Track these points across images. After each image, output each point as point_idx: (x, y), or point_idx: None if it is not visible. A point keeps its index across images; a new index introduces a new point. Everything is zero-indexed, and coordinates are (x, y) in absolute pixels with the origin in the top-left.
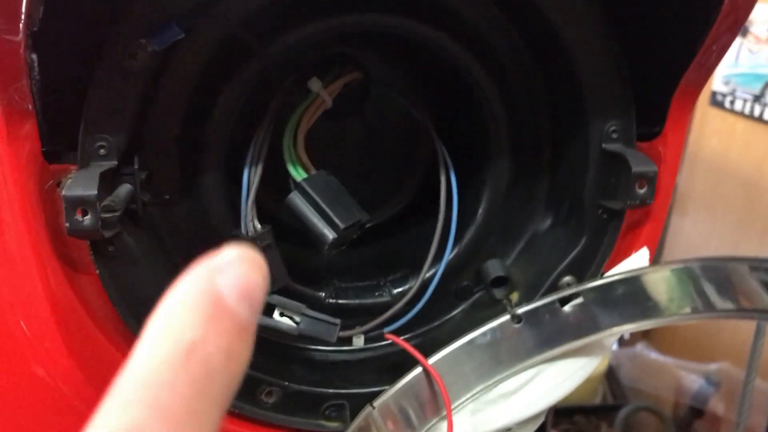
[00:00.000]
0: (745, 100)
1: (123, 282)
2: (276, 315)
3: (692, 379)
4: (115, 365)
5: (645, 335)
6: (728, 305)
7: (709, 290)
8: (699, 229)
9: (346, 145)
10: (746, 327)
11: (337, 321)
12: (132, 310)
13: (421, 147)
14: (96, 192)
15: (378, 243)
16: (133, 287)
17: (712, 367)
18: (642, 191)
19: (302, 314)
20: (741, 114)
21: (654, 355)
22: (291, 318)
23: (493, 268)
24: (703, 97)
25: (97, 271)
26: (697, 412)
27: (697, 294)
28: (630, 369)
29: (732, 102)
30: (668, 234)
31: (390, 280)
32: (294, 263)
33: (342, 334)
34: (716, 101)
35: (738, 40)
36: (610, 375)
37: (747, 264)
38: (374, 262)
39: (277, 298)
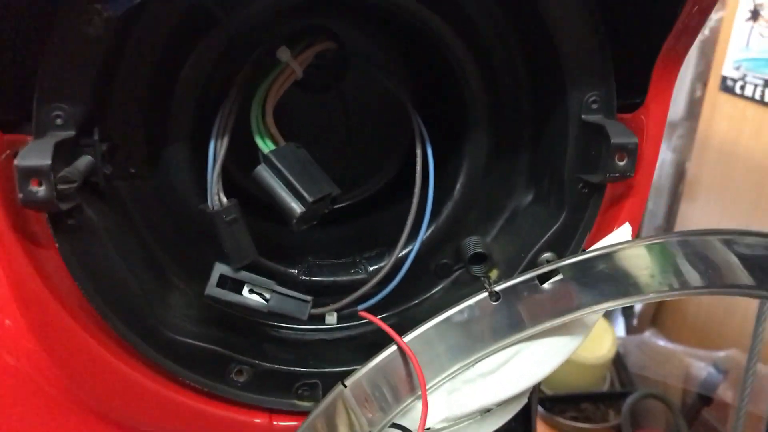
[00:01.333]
0: (755, 86)
1: (85, 257)
2: (245, 292)
3: (700, 367)
4: (80, 343)
5: (653, 322)
6: (707, 281)
7: (687, 266)
8: (708, 215)
9: (325, 123)
10: (754, 313)
11: (309, 298)
12: (96, 286)
13: (402, 125)
14: (50, 162)
15: (356, 222)
16: (97, 262)
17: (721, 354)
18: (622, 164)
19: (272, 291)
20: (751, 99)
21: (662, 343)
22: (260, 295)
23: (473, 244)
24: (713, 83)
25: (57, 245)
26: (705, 399)
27: (677, 270)
28: (638, 356)
29: (742, 87)
30: (677, 220)
31: (366, 258)
32: (267, 240)
33: (314, 311)
34: (726, 87)
35: (749, 24)
36: (618, 362)
37: (724, 237)
38: (351, 240)
39: (246, 275)
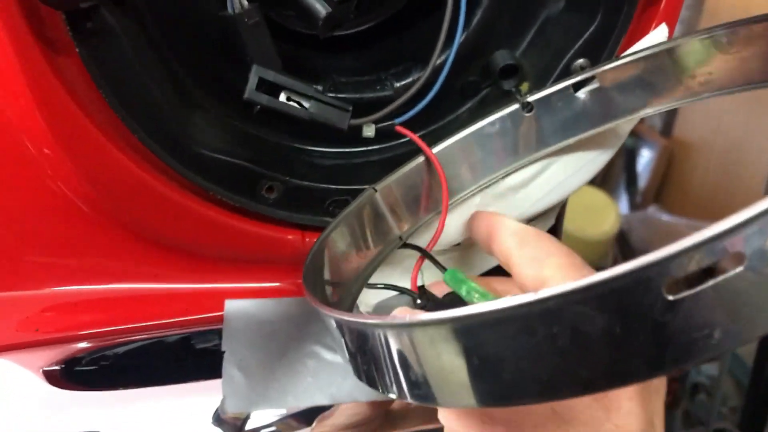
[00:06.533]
0: None
1: (106, 62)
2: (282, 98)
3: None
4: (110, 158)
5: (657, 198)
6: (764, 73)
7: (737, 61)
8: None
9: None
10: (760, 187)
11: (349, 107)
12: (117, 93)
13: None
14: None
15: (378, 44)
16: (117, 69)
17: None
18: None
19: (311, 98)
20: None
21: (666, 218)
22: (299, 103)
23: (502, 57)
24: None
25: (77, 50)
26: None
27: (729, 64)
28: (641, 232)
29: None
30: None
31: (392, 74)
32: (289, 61)
33: (353, 122)
34: None
35: None
36: (621, 239)
37: None
38: (375, 60)
39: (284, 79)
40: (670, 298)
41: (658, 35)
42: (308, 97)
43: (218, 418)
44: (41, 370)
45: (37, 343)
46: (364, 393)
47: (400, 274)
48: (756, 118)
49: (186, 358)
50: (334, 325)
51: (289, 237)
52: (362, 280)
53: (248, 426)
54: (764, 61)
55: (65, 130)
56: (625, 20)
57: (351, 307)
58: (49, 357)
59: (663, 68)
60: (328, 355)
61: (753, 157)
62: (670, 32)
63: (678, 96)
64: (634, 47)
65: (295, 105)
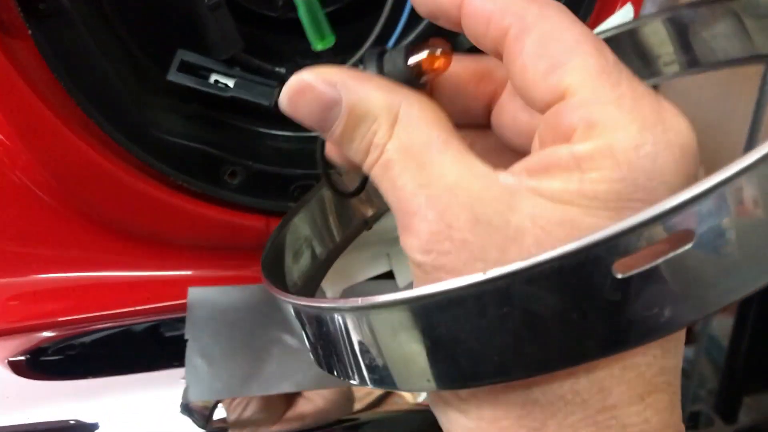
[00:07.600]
0: None
1: (60, 46)
2: (212, 80)
3: None
4: (68, 146)
5: None
6: (733, 53)
7: (700, 41)
8: None
9: None
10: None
11: (275, 84)
12: (73, 77)
13: None
14: None
15: (342, 26)
16: (73, 52)
17: None
18: None
19: (236, 77)
20: None
21: None
22: (225, 85)
23: (468, 39)
24: None
25: (30, 32)
26: None
27: (692, 44)
28: None
29: None
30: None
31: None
32: (252, 43)
33: None
34: None
35: None
36: None
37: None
38: (338, 43)
39: (208, 61)
40: (620, 276)
41: (622, 15)
42: (231, 77)
43: (186, 408)
44: (6, 361)
45: None
46: (330, 380)
47: (367, 259)
48: (732, 103)
49: (155, 346)
50: (291, 310)
51: (253, 223)
52: (327, 266)
53: (216, 415)
54: (728, 40)
55: (21, 116)
56: (590, 1)
57: (314, 293)
58: (14, 347)
59: (627, 49)
60: (293, 343)
61: (729, 141)
62: (636, 12)
63: (643, 76)
64: (599, 28)
65: (221, 85)
